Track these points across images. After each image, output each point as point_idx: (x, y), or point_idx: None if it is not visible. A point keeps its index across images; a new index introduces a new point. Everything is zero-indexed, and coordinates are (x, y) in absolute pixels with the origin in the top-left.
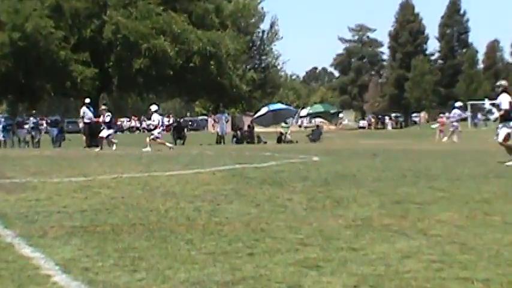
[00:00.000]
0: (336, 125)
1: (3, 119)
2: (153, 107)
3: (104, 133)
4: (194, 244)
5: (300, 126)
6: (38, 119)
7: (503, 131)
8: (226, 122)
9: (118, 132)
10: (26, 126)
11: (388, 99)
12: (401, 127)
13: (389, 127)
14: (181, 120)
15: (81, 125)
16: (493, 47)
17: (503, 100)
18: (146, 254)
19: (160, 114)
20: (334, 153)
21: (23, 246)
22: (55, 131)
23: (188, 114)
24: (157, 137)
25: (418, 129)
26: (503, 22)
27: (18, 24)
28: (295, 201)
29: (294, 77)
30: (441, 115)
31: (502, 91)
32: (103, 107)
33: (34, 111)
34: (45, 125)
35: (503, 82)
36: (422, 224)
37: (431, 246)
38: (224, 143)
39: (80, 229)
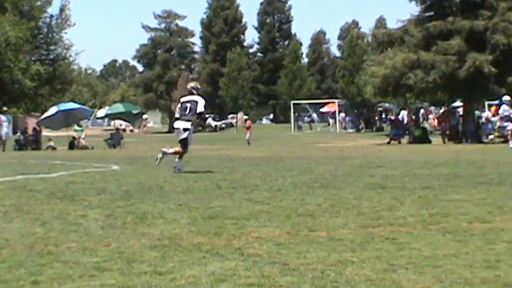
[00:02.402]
0: (139, 127)
1: None
2: None
3: None
4: None
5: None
6: None
7: None
8: (9, 124)
9: None
10: None
11: None
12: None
13: None
14: None
15: None
16: (318, 39)
17: None
18: None
19: None
20: (137, 161)
21: None
22: None
23: None
24: None
25: (234, 133)
26: (329, 11)
27: None
28: (90, 218)
29: (89, 72)
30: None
31: None
32: None
33: None
34: None
35: None
36: (238, 242)
37: (249, 268)
38: (4, 149)
39: None
